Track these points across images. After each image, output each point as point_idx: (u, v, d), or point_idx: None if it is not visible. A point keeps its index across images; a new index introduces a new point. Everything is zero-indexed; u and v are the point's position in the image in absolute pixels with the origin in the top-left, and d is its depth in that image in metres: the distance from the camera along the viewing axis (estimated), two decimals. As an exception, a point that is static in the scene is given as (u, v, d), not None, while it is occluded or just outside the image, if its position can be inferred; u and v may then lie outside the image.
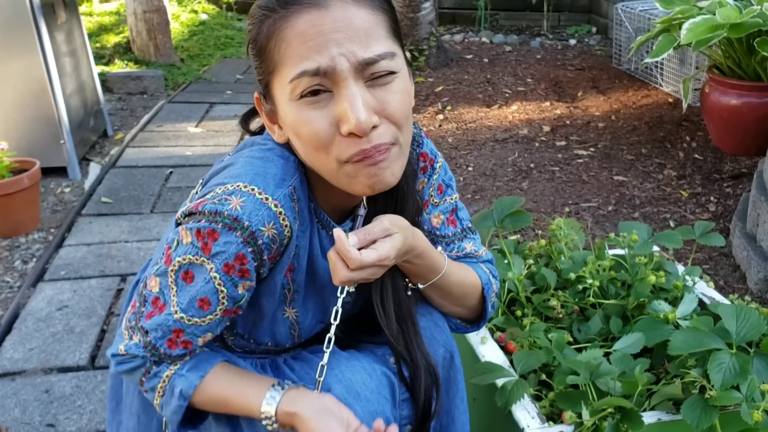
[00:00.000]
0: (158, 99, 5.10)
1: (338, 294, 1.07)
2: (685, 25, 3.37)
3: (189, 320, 1.00)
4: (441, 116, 4.53)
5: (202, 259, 0.97)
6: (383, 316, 1.13)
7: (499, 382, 1.37)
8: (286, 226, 0.99)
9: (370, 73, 0.93)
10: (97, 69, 4.35)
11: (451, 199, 1.27)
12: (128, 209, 3.30)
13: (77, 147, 3.69)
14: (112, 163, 3.85)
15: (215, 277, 0.97)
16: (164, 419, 1.20)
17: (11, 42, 3.35)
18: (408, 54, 5.62)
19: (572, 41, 6.71)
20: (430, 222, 1.25)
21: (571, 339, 1.53)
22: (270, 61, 0.95)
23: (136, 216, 3.23)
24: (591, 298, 1.60)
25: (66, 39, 3.78)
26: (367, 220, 1.06)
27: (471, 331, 1.35)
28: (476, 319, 1.32)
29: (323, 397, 1.05)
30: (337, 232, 0.97)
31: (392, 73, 0.95)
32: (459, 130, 4.28)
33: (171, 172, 3.73)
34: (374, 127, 0.93)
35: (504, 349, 1.52)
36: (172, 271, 1.00)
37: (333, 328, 1.09)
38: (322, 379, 1.08)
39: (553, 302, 1.59)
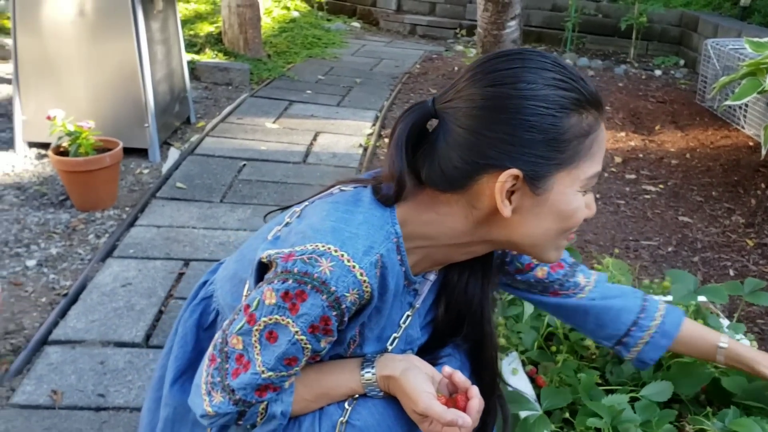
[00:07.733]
0: (242, 92, 5.27)
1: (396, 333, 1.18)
2: (771, 72, 3.31)
3: (277, 375, 1.05)
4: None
5: (288, 320, 1.00)
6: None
7: (523, 414, 1.41)
8: (367, 291, 1.02)
9: None
10: (187, 56, 4.53)
11: None
12: (199, 196, 3.45)
13: (160, 131, 3.86)
14: (191, 150, 4.01)
15: (301, 339, 1.02)
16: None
17: (109, 27, 3.55)
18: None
19: (657, 72, 6.60)
20: (536, 276, 1.35)
21: (601, 380, 1.55)
22: (568, 153, 1.01)
23: (206, 204, 3.38)
24: (627, 343, 1.62)
25: (161, 27, 3.96)
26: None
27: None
28: None
29: (409, 357, 1.15)
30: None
31: None
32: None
33: (244, 165, 3.87)
34: None
35: (534, 382, 1.55)
36: (256, 330, 1.03)
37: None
38: None
39: (588, 342, 1.62)
